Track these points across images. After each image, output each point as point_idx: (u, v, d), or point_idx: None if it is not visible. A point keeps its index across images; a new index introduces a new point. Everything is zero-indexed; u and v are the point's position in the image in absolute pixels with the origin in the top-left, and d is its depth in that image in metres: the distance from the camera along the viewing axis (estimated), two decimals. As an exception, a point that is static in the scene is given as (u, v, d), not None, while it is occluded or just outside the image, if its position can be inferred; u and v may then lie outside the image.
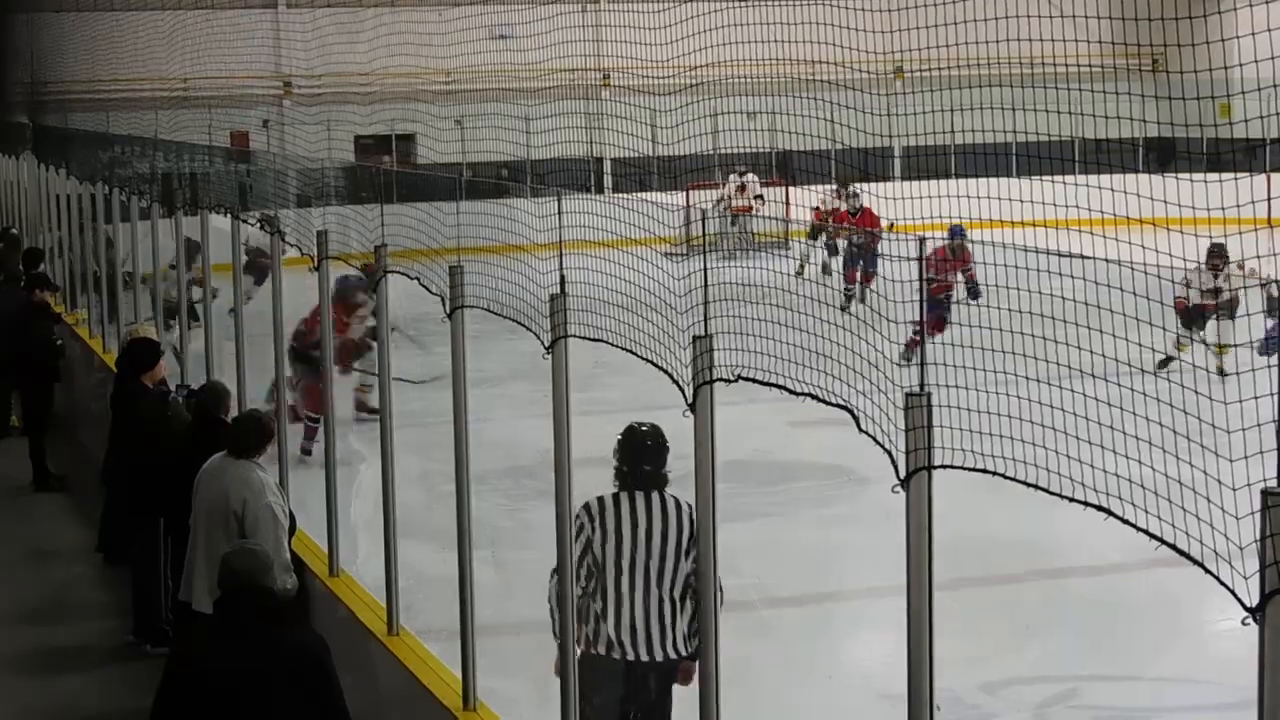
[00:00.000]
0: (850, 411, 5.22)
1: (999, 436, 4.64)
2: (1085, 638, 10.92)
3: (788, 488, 14.74)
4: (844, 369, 5.43)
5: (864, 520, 12.34)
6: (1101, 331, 4.86)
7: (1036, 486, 4.48)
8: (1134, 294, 4.84)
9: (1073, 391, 4.82)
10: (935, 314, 20.78)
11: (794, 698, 9.43)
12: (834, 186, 27.15)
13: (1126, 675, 10.27)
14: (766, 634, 10.68)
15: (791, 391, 5.60)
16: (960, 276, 21.19)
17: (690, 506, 7.05)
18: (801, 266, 24.61)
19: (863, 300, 21.51)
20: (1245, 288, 18.69)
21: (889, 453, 4.85)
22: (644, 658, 7.38)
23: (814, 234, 27.34)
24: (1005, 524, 11.99)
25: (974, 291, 20.45)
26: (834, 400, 5.35)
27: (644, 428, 7.64)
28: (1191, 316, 18.76)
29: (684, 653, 7.40)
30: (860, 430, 5.17)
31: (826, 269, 25.41)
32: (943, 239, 18.61)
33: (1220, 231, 5.05)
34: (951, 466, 4.53)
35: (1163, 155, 29.76)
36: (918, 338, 4.86)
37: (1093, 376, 4.82)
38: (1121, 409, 4.70)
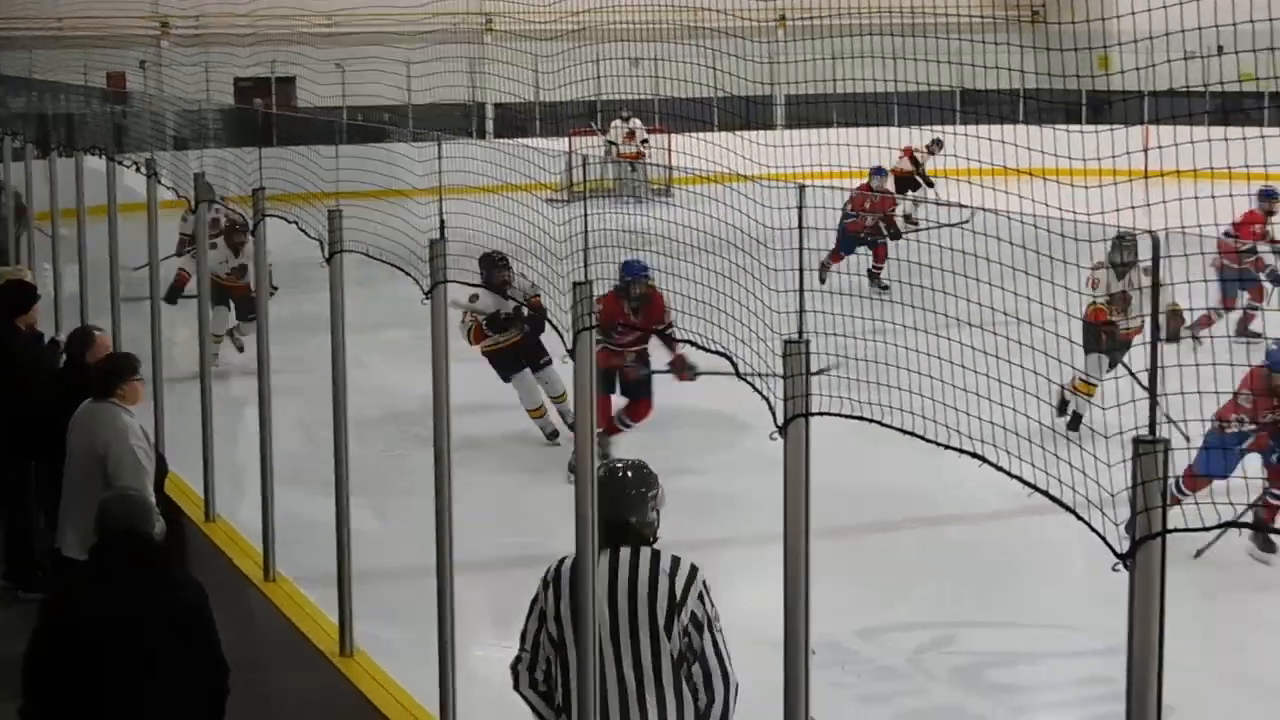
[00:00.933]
0: (729, 358, 5.25)
1: (877, 384, 4.68)
2: (962, 584, 11.03)
3: (668, 435, 14.77)
4: (725, 316, 5.45)
5: (744, 467, 12.40)
6: (979, 280, 4.90)
7: (913, 434, 4.52)
8: (1011, 244, 4.88)
9: (949, 339, 4.86)
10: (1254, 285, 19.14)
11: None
12: (919, 146, 27.16)
13: (1003, 621, 10.39)
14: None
15: (671, 338, 5.62)
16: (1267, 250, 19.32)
17: (678, 563, 5.73)
18: (906, 218, 24.60)
19: (874, 280, 21.36)
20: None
21: (767, 400, 4.87)
22: None
23: (900, 188, 27.47)
24: (883, 472, 12.08)
25: (1276, 276, 19.15)
26: (713, 347, 5.38)
27: (617, 468, 6.00)
28: (1105, 338, 14.08)
29: None
30: (739, 377, 5.19)
31: (910, 218, 25.52)
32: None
33: (1096, 181, 5.10)
34: (829, 414, 4.57)
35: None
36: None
37: (969, 325, 4.87)
38: (998, 358, 4.75)
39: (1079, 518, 4.05)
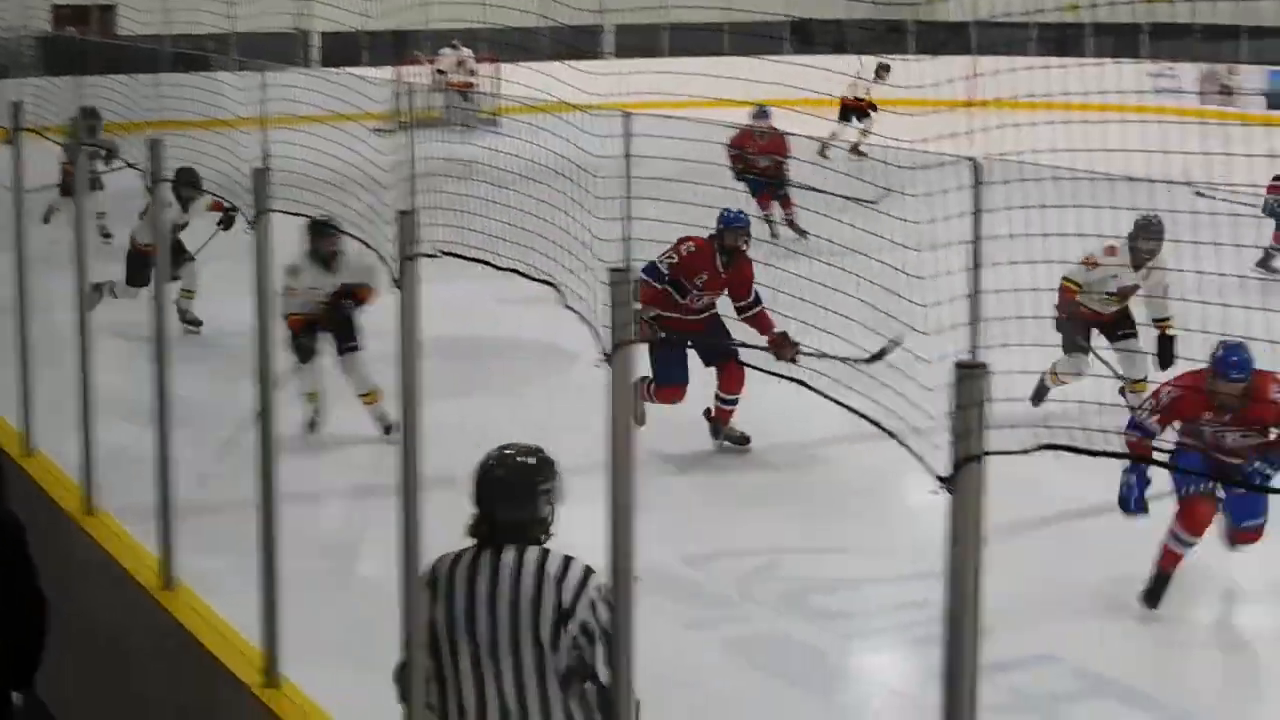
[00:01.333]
0: (555, 287, 5.24)
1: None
2: (787, 512, 11.14)
3: (493, 364, 14.79)
4: (553, 246, 5.44)
5: (569, 396, 12.42)
6: (808, 210, 4.92)
7: (739, 361, 4.54)
8: (843, 174, 4.91)
9: (776, 268, 4.88)
10: None
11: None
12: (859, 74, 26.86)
13: (828, 548, 10.49)
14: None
15: (495, 267, 5.60)
16: None
17: (569, 566, 5.11)
18: (823, 148, 24.05)
19: (793, 228, 20.86)
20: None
21: (593, 328, 4.87)
22: None
23: (844, 116, 27.24)
24: (709, 401, 12.16)
25: None
26: (538, 276, 5.36)
27: (508, 456, 5.37)
28: (1075, 331, 12.71)
29: None
30: (565, 306, 5.19)
31: (856, 150, 25.28)
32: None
33: (922, 111, 5.13)
34: (653, 340, 4.57)
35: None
36: None
37: (794, 253, 4.89)
38: (824, 285, 4.78)
39: (900, 442, 4.10)
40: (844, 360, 4.60)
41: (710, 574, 9.94)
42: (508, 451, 5.33)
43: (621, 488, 4.59)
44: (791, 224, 19.96)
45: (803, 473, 11.81)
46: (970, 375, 3.44)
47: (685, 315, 11.32)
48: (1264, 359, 8.40)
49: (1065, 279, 12.10)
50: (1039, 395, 12.28)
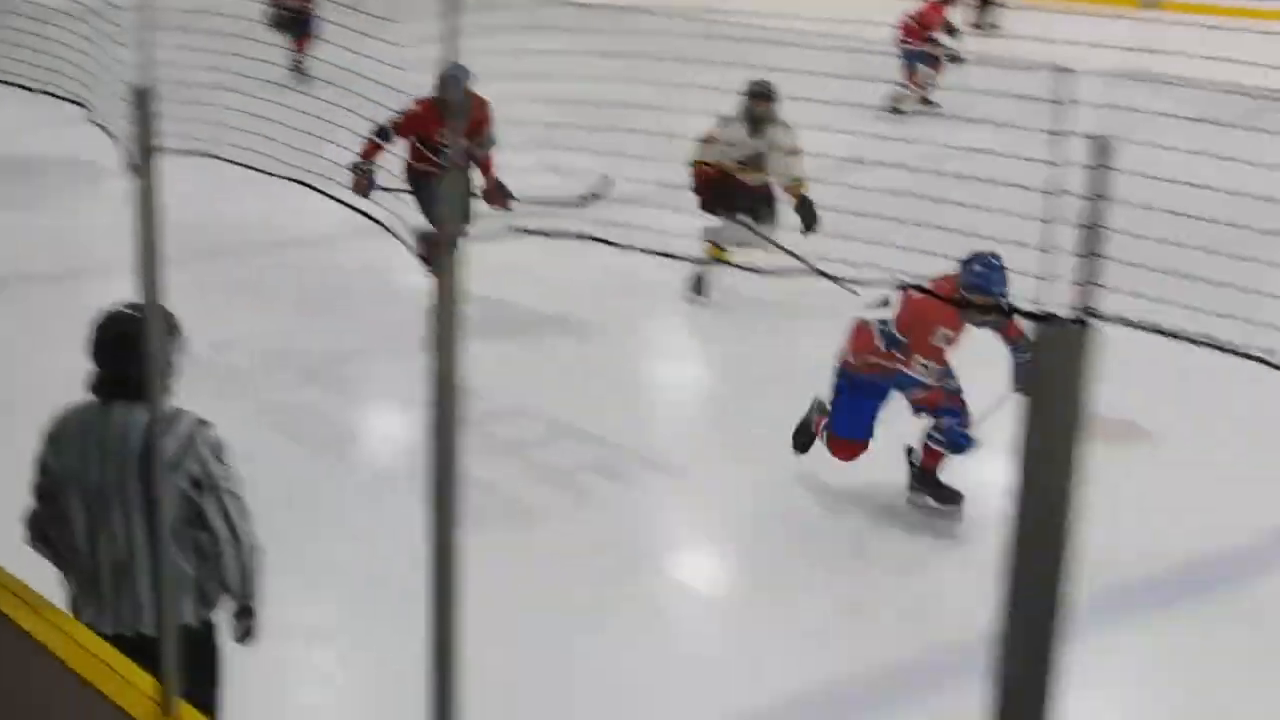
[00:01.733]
0: (80, 104, 5.13)
1: (231, 128, 4.66)
2: (300, 298, 11.17)
3: (35, 180, 14.28)
4: (83, 73, 5.32)
5: (98, 206, 12.14)
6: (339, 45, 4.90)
7: (250, 167, 4.54)
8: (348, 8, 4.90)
9: (301, 93, 4.86)
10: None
11: (45, 366, 9.23)
12: None
13: (337, 329, 10.57)
14: (24, 309, 10.42)
15: (28, 89, 5.45)
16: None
17: (177, 419, 4.63)
18: None
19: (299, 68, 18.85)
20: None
21: (119, 142, 4.79)
22: (127, 633, 4.66)
23: None
24: (233, 202, 12.03)
25: (953, 56, 17.53)
26: (67, 96, 5.24)
27: (125, 312, 4.68)
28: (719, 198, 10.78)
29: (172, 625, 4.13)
30: (91, 122, 5.09)
31: None
32: None
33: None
34: (170, 150, 4.52)
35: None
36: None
37: (317, 79, 4.89)
38: (339, 106, 4.80)
39: (391, 233, 4.19)
40: (557, 203, 4.51)
41: (236, 352, 9.93)
42: (124, 309, 4.68)
43: (150, 286, 4.53)
44: (299, 63, 19.04)
45: (312, 265, 11.80)
46: (455, 175, 3.54)
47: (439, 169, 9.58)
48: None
49: (695, 160, 10.61)
50: (698, 285, 11.02)
